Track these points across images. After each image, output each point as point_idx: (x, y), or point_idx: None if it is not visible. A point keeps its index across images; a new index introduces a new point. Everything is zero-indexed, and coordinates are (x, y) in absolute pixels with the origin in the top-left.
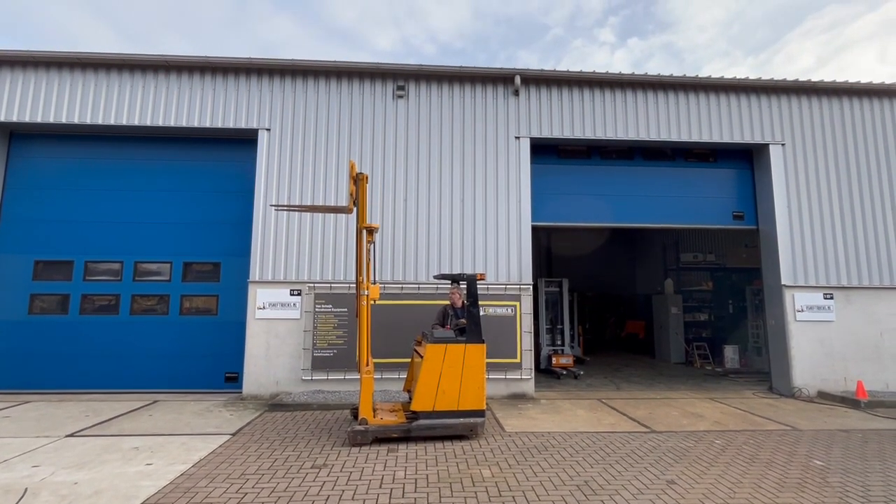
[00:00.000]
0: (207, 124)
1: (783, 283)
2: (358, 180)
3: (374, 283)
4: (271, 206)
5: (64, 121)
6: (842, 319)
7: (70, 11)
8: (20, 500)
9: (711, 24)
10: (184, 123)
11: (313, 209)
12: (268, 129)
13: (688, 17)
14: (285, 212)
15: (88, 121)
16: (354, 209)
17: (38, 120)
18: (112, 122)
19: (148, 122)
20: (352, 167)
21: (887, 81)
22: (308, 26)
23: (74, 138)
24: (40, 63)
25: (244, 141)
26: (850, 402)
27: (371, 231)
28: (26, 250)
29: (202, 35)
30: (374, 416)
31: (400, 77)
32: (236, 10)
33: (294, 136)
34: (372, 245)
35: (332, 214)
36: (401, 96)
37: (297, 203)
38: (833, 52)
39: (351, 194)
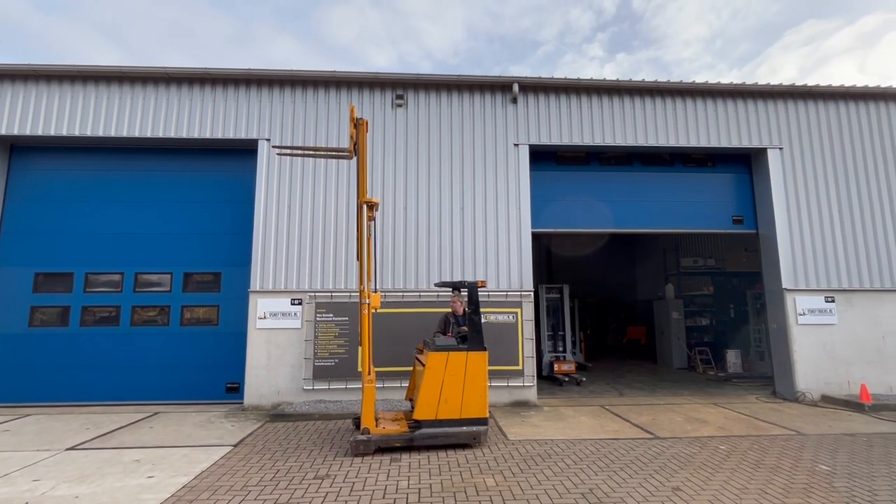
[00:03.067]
0: (208, 135)
1: (784, 286)
2: (358, 125)
3: (375, 290)
4: (273, 147)
5: (65, 133)
6: (844, 322)
7: (77, 33)
8: None
9: (695, 39)
10: (184, 135)
11: (315, 150)
12: (268, 139)
13: (672, 33)
14: (287, 155)
15: (89, 133)
16: (354, 156)
17: (39, 133)
18: (112, 134)
19: (148, 134)
20: (352, 111)
21: (882, 85)
22: (308, 46)
23: (75, 150)
24: (41, 76)
25: (244, 151)
26: (854, 405)
27: (372, 207)
28: (27, 263)
29: (206, 54)
30: (377, 426)
31: (399, 86)
32: (239, 31)
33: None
34: (373, 222)
35: (332, 221)
36: (400, 105)
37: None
38: (814, 64)
39: (351, 137)
